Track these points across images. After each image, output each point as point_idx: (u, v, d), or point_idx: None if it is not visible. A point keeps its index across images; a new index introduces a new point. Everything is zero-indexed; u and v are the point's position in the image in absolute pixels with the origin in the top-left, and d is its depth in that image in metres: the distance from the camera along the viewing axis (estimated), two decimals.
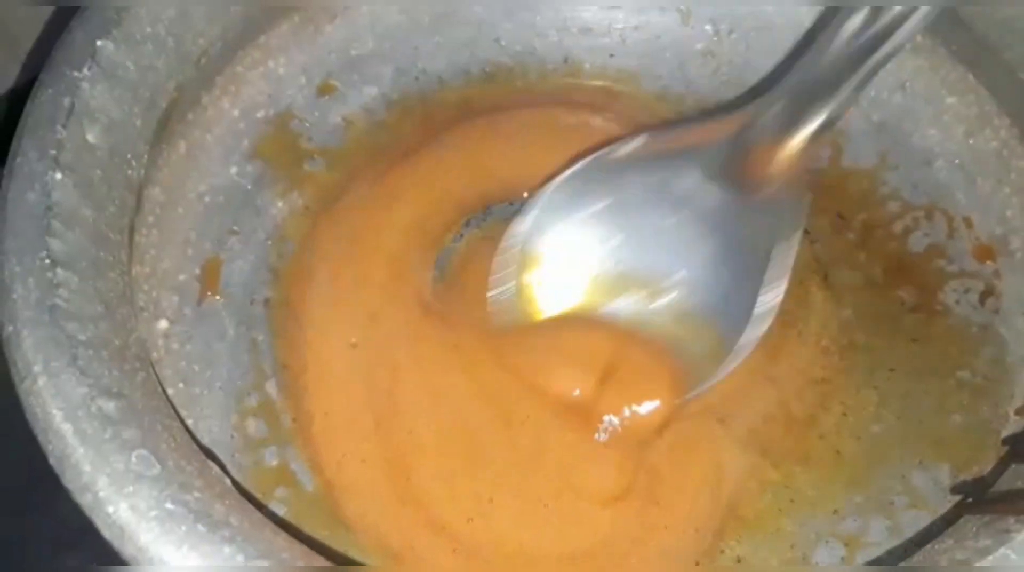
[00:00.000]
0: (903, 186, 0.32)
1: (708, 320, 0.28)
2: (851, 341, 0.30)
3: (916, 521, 0.26)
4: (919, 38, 0.32)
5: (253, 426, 0.27)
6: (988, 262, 0.30)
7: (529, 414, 0.28)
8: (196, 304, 0.29)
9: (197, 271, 0.29)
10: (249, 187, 0.31)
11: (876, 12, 0.23)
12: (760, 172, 0.27)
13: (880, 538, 0.26)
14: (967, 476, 0.26)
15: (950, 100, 0.32)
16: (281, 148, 0.32)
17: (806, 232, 0.32)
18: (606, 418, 0.28)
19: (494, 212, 0.32)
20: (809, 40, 0.33)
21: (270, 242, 0.31)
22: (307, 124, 0.33)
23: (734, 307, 0.27)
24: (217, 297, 0.29)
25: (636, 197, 0.29)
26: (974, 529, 0.20)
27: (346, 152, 0.33)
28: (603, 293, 0.29)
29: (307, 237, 0.31)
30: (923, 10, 0.22)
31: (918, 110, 0.33)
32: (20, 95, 0.24)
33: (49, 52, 0.25)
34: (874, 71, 0.24)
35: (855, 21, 0.23)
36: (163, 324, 0.28)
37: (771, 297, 0.27)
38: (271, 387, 0.28)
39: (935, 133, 0.32)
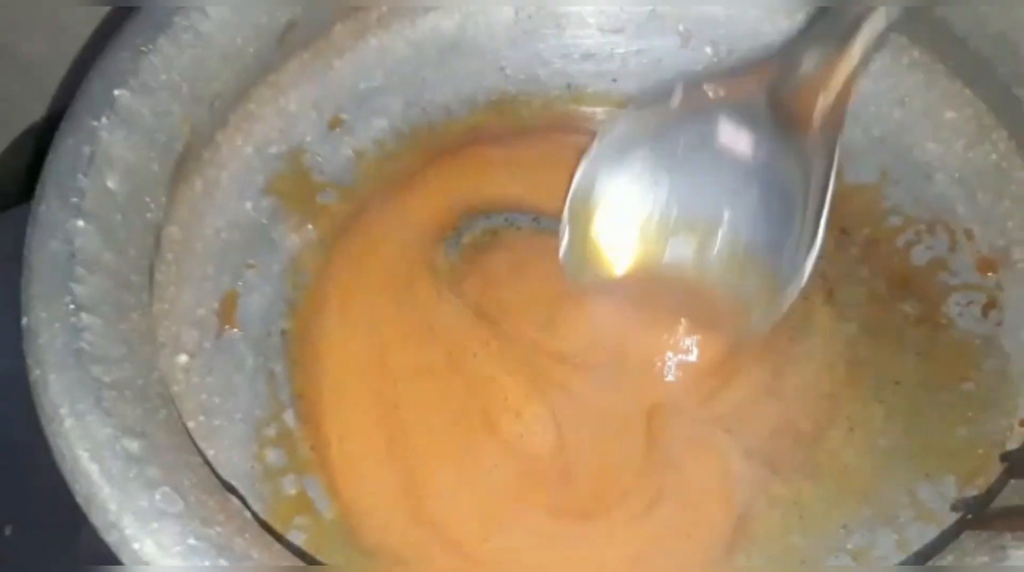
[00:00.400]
0: (905, 201, 0.33)
1: (761, 259, 0.29)
2: (856, 356, 0.30)
3: (923, 535, 0.26)
4: (916, 54, 0.33)
5: (272, 456, 0.28)
6: (990, 274, 0.31)
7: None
8: (215, 337, 0.30)
9: (215, 305, 0.30)
10: (264, 222, 0.32)
11: None
12: (797, 115, 0.28)
13: (888, 551, 0.26)
14: (972, 489, 0.26)
15: (949, 115, 0.32)
16: (294, 182, 0.33)
17: None
18: (669, 354, 0.29)
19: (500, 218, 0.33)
20: None
21: (285, 274, 0.32)
22: (319, 158, 0.34)
23: (783, 243, 0.28)
24: (235, 329, 0.30)
25: (680, 150, 0.30)
26: (973, 546, 0.20)
27: (358, 184, 0.34)
28: (659, 239, 0.30)
29: (320, 268, 0.32)
30: None
31: (917, 125, 0.33)
32: (48, 128, 0.25)
33: (73, 87, 0.26)
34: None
35: None
36: (183, 358, 0.29)
37: (814, 230, 0.28)
38: (288, 417, 0.29)
39: (935, 147, 0.33)
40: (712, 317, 0.29)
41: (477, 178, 0.34)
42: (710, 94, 0.30)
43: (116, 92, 0.26)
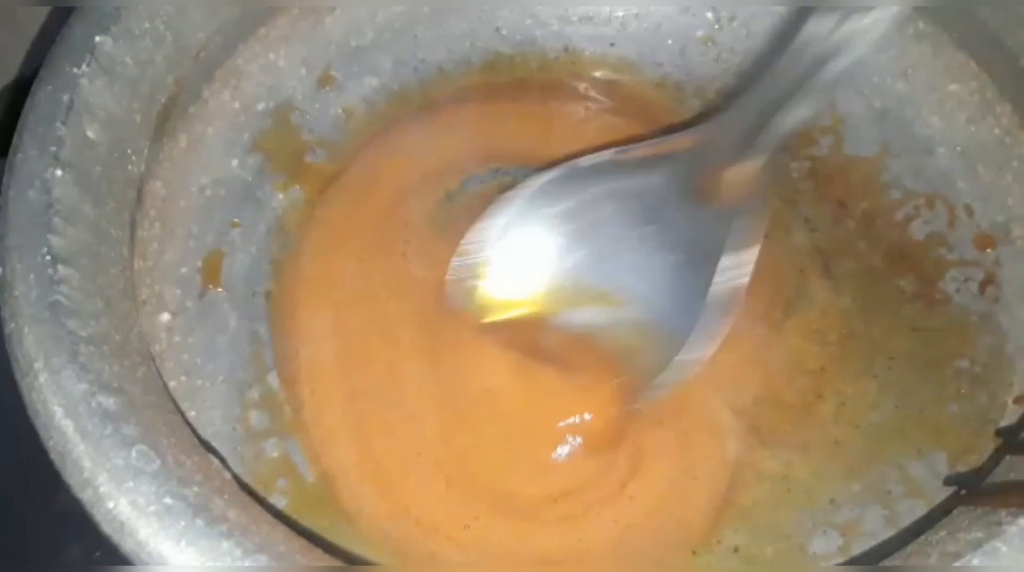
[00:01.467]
0: (905, 174, 0.32)
1: (660, 333, 0.27)
2: (850, 330, 0.30)
3: (912, 511, 0.26)
4: (921, 25, 0.32)
5: (255, 418, 0.28)
6: (988, 250, 0.30)
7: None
8: (198, 297, 0.29)
9: (199, 264, 0.30)
10: (250, 180, 0.31)
11: (839, 21, 0.22)
12: (721, 185, 0.26)
13: (876, 527, 0.26)
14: (964, 466, 0.26)
15: (952, 87, 0.32)
16: (282, 141, 0.32)
17: (807, 221, 0.32)
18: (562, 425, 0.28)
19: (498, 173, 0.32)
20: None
21: (271, 234, 0.31)
22: (307, 116, 0.33)
23: (687, 322, 0.27)
24: (219, 289, 0.29)
25: (602, 207, 0.29)
26: (967, 521, 0.20)
27: (346, 143, 0.33)
28: (559, 302, 0.29)
29: (305, 228, 0.31)
30: (888, 16, 0.21)
31: (920, 98, 0.32)
32: (24, 85, 0.24)
33: (51, 43, 0.25)
34: (831, 85, 0.23)
35: (816, 28, 0.22)
36: (165, 317, 0.28)
37: (717, 317, 0.26)
38: (272, 379, 0.29)
39: (937, 121, 0.32)
40: (601, 376, 0.28)
41: (469, 136, 0.34)
42: (641, 154, 0.29)
43: (98, 39, 0.25)
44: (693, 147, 0.27)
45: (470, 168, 0.32)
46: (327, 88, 0.33)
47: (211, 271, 0.30)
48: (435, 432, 0.28)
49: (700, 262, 0.26)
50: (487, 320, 0.29)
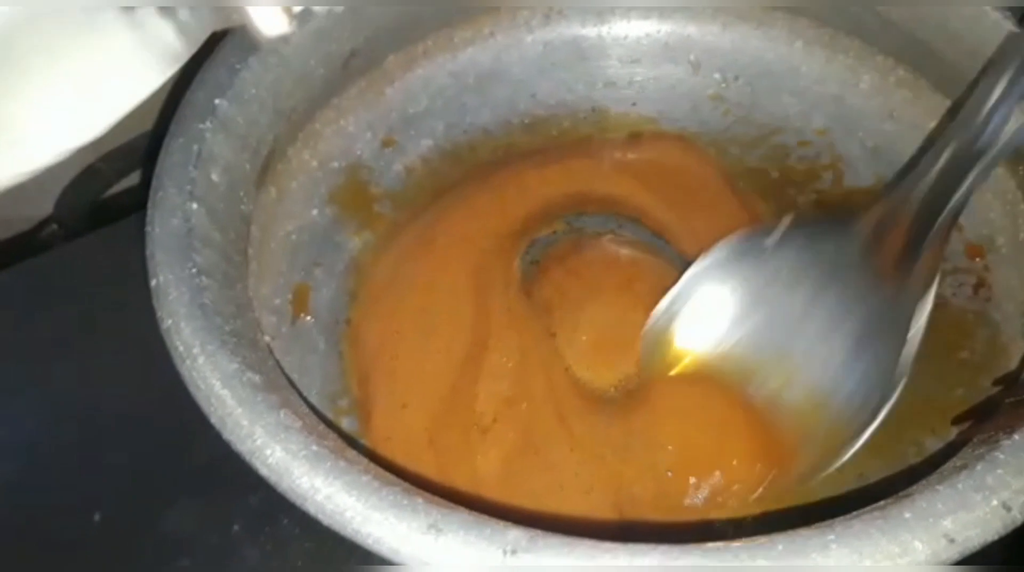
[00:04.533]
0: None
1: (832, 407, 0.29)
2: None
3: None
4: (901, 72, 0.37)
5: (346, 423, 0.31)
6: (978, 259, 0.34)
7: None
8: (291, 324, 0.33)
9: (289, 296, 0.34)
10: (328, 226, 0.36)
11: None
12: (891, 266, 0.29)
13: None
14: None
15: (932, 124, 0.37)
16: (353, 193, 0.37)
17: None
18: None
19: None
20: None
21: (347, 272, 0.35)
22: (374, 173, 0.38)
23: (863, 396, 0.29)
24: (308, 317, 0.34)
25: (782, 273, 0.31)
26: (971, 450, 0.24)
27: (408, 195, 0.38)
28: (740, 364, 0.31)
29: (377, 266, 0.36)
30: None
31: (906, 135, 0.37)
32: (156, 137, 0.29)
33: (172, 106, 0.30)
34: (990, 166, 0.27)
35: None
36: (266, 339, 0.32)
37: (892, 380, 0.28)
38: (357, 392, 0.32)
39: (922, 154, 0.37)
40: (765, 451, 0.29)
41: (512, 190, 0.38)
42: (807, 236, 0.31)
43: (216, 101, 0.30)
44: (876, 218, 0.29)
45: (531, 223, 0.37)
46: (390, 149, 0.38)
47: (300, 302, 0.34)
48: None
49: (876, 337, 0.28)
50: (671, 372, 0.31)
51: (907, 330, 0.29)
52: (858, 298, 0.30)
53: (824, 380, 0.29)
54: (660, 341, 0.32)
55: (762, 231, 0.32)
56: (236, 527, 0.31)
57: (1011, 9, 0.32)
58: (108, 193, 0.43)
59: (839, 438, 0.29)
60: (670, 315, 0.31)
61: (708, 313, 0.31)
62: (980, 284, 0.34)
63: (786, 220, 0.31)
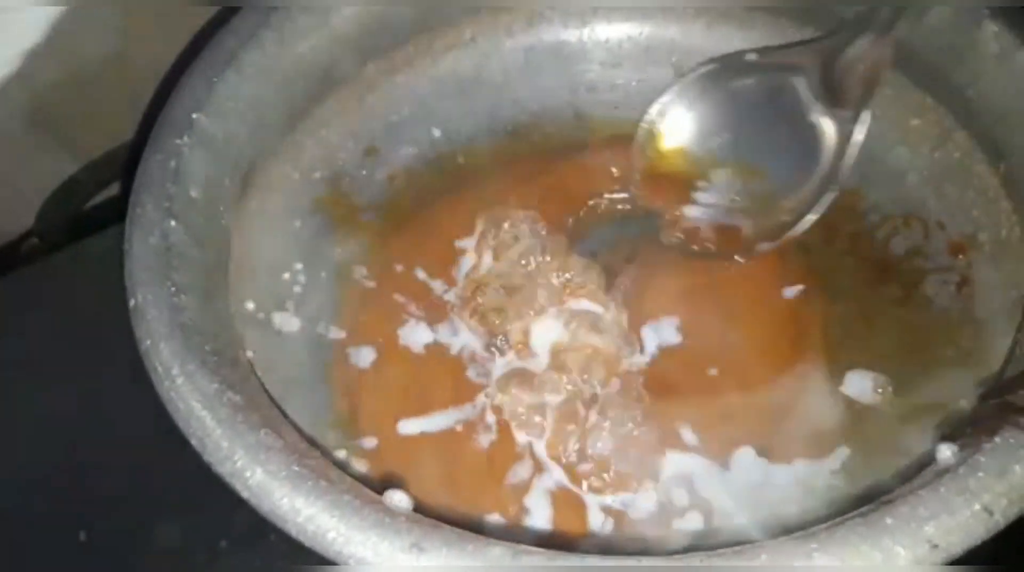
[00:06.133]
0: (882, 200, 0.37)
1: (786, 199, 0.35)
2: (848, 334, 0.34)
3: None
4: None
5: (332, 436, 0.31)
6: (961, 257, 0.34)
7: None
8: (275, 337, 0.33)
9: (272, 310, 0.34)
10: (311, 237, 0.36)
11: None
12: (841, 87, 0.35)
13: None
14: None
15: (915, 122, 0.37)
16: (336, 203, 0.37)
17: (801, 245, 0.36)
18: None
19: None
20: None
21: (332, 280, 0.35)
22: (357, 183, 0.38)
23: (807, 186, 0.35)
24: (292, 330, 0.33)
25: (749, 101, 0.37)
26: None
27: (392, 204, 0.38)
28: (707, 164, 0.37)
29: (361, 274, 0.36)
30: None
31: (888, 133, 0.37)
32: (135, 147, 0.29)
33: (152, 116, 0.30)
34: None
35: None
36: (249, 354, 0.32)
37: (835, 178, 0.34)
38: (342, 405, 0.32)
39: (905, 151, 0.37)
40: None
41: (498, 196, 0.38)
42: (780, 59, 0.37)
43: (194, 115, 0.30)
44: (824, 54, 0.35)
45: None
46: (371, 157, 0.38)
47: (284, 315, 0.34)
48: None
49: (823, 142, 0.34)
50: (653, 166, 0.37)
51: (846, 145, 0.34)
52: (807, 123, 0.36)
53: (776, 181, 0.36)
54: (650, 135, 0.38)
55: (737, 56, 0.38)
56: (223, 543, 0.31)
57: (989, 9, 0.33)
58: (88, 205, 0.43)
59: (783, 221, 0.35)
60: (659, 117, 0.38)
61: (687, 122, 0.38)
62: (963, 282, 0.34)
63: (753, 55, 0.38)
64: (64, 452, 0.34)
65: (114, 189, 0.43)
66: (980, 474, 0.21)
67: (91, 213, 0.43)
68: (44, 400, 0.35)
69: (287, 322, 0.34)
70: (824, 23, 0.37)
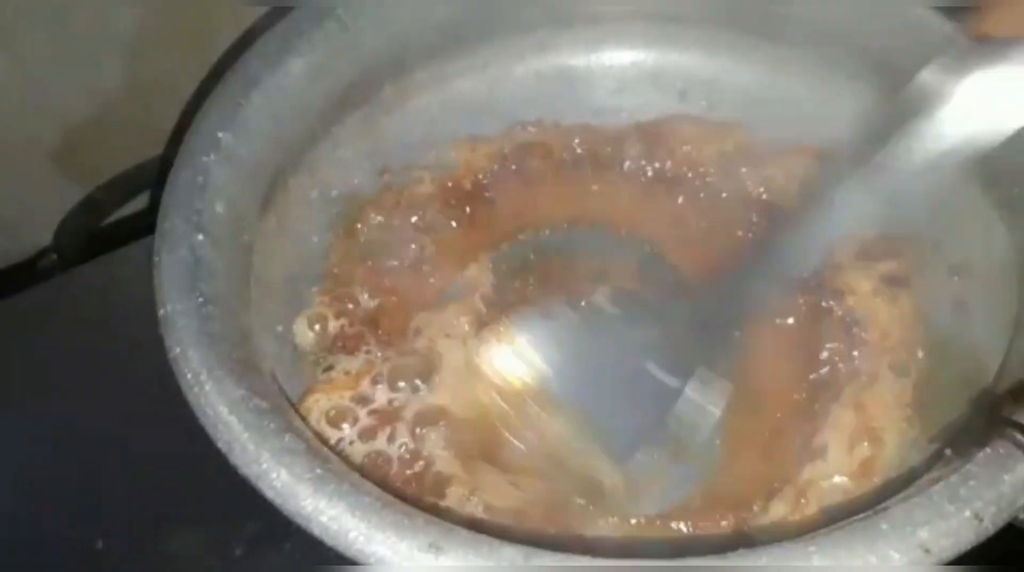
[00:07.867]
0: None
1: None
2: None
3: None
4: (879, 96, 0.39)
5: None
6: (956, 278, 0.36)
7: None
8: (292, 349, 0.34)
9: (291, 323, 0.35)
10: (327, 252, 0.37)
11: None
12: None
13: None
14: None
15: None
16: (352, 220, 0.38)
17: None
18: None
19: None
20: None
21: (347, 297, 0.36)
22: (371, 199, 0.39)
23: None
24: (308, 343, 0.35)
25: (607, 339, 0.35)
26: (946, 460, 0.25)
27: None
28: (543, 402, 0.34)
29: (377, 289, 0.37)
30: None
31: None
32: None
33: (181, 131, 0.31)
34: None
35: None
36: (268, 364, 0.33)
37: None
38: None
39: None
40: None
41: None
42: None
43: (220, 134, 0.31)
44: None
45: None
46: (385, 176, 0.40)
47: (301, 329, 0.35)
48: None
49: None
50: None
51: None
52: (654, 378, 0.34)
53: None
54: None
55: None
56: (238, 552, 0.32)
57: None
58: (105, 222, 0.44)
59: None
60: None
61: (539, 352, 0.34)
62: (959, 302, 0.35)
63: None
64: (81, 463, 0.35)
65: (130, 207, 0.44)
66: (971, 483, 0.22)
67: (108, 230, 0.44)
68: (63, 412, 0.36)
69: (304, 336, 0.35)
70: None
